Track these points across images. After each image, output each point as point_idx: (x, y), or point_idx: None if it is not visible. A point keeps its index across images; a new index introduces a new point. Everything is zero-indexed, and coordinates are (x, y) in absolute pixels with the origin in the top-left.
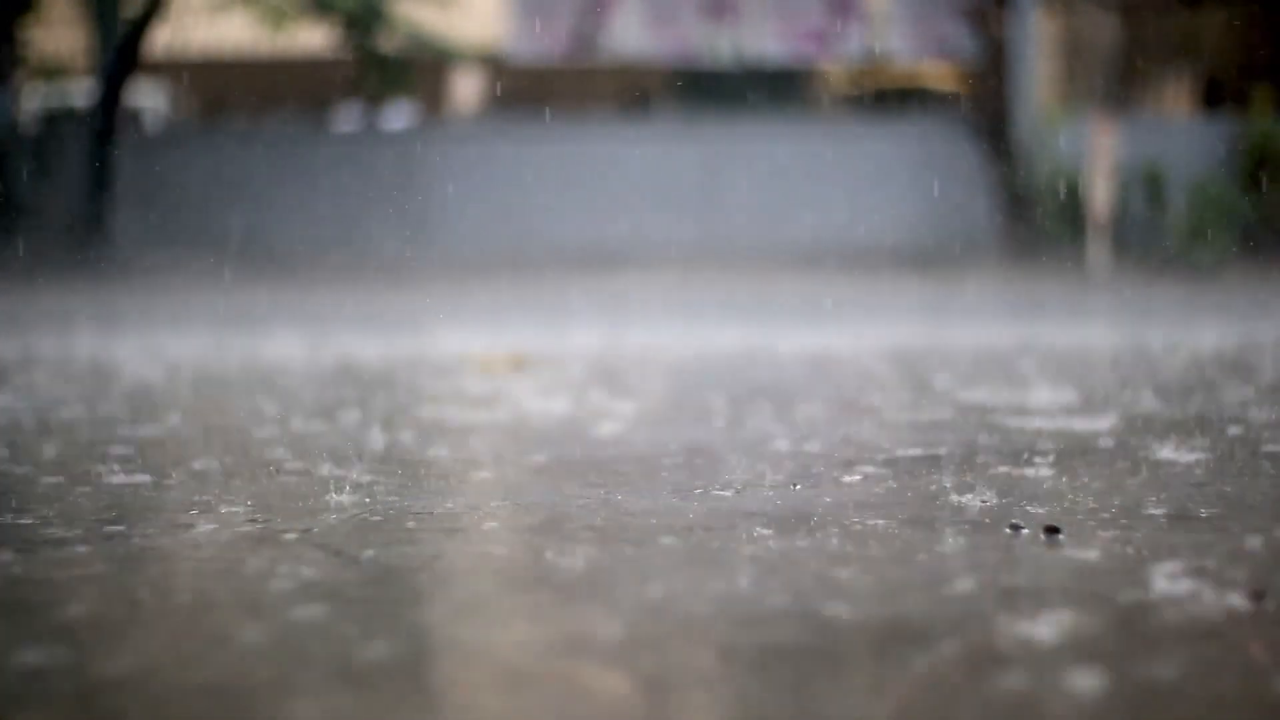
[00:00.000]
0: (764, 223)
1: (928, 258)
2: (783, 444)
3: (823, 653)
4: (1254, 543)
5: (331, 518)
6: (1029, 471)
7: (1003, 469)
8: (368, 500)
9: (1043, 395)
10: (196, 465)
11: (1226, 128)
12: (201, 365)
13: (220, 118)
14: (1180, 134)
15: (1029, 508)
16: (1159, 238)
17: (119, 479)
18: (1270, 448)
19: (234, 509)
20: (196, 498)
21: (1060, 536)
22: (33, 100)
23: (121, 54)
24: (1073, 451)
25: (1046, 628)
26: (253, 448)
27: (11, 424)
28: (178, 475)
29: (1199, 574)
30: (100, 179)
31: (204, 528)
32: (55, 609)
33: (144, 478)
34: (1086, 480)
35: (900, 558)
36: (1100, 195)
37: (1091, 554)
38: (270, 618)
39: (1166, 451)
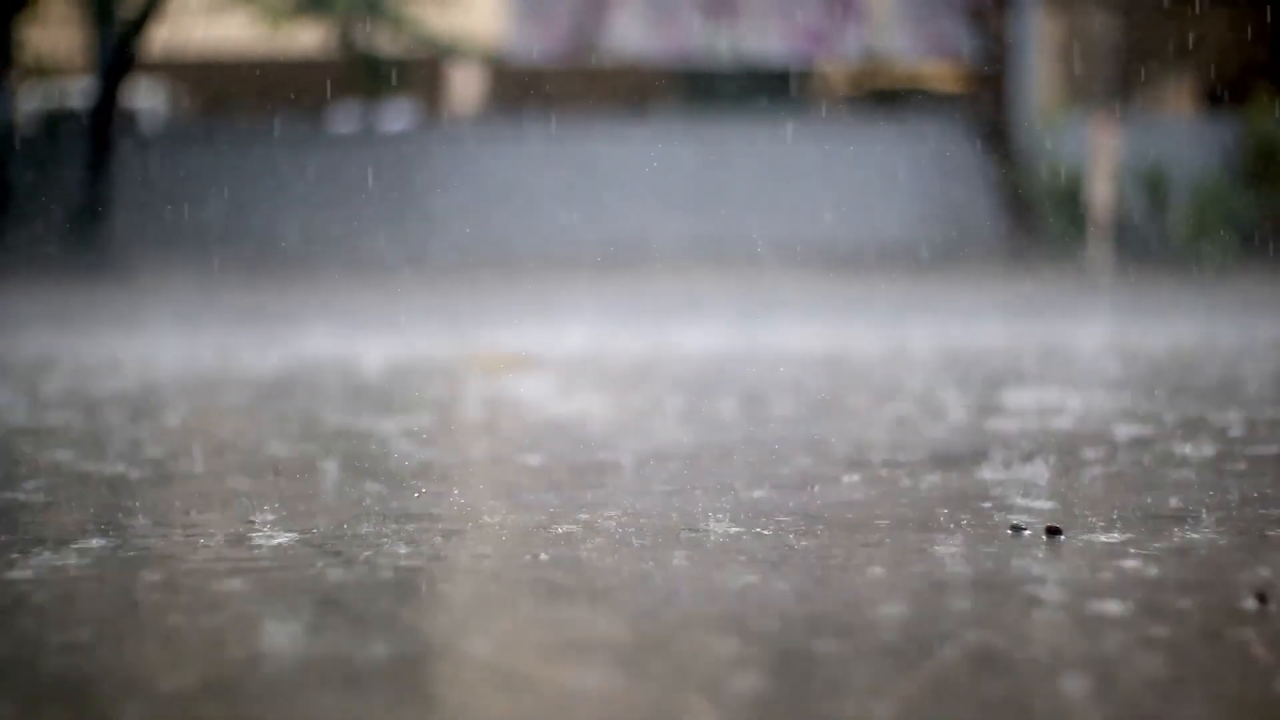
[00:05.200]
0: (764, 223)
1: (928, 258)
2: (784, 443)
3: (826, 653)
4: (1257, 543)
5: (332, 518)
6: (1030, 472)
7: (1004, 469)
8: (367, 501)
9: (1044, 395)
10: (195, 465)
11: (1228, 127)
12: (199, 365)
13: (219, 118)
14: (1181, 134)
15: (1030, 508)
16: (1160, 238)
17: (117, 479)
18: (1273, 447)
19: (234, 510)
20: (195, 498)
21: (1061, 537)
22: (30, 100)
23: (119, 54)
24: (1075, 452)
25: (1048, 628)
26: (251, 448)
27: (10, 423)
28: (176, 475)
29: (1200, 574)
30: (98, 179)
31: (203, 528)
32: (55, 609)
33: (142, 478)
34: (1088, 481)
35: (902, 558)
36: (1101, 195)
37: (1093, 555)
38: (270, 618)
39: (1170, 451)
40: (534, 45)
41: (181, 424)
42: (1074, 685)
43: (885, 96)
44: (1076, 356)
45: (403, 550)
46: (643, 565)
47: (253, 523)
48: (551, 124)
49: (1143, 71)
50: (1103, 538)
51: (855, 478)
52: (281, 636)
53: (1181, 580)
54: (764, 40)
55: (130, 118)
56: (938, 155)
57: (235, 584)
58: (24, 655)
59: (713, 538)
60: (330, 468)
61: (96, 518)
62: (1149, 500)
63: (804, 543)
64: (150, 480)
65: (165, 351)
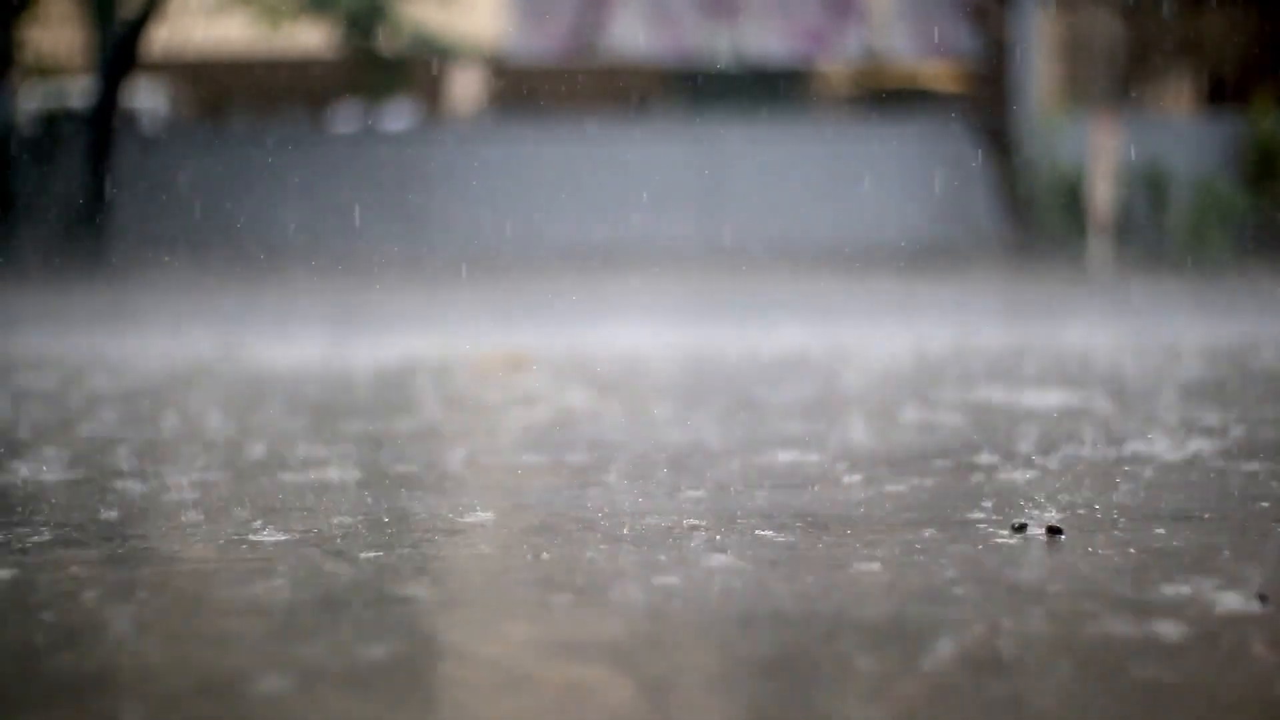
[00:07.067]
0: (764, 223)
1: (928, 258)
2: (784, 443)
3: (824, 653)
4: (1258, 543)
5: (331, 519)
6: (1031, 472)
7: (1005, 469)
8: (368, 501)
9: (1045, 395)
10: (196, 466)
11: (1228, 127)
12: (200, 365)
13: (219, 118)
14: (1182, 133)
15: (1031, 508)
16: (1161, 237)
17: (118, 479)
18: (1273, 446)
19: (234, 510)
20: (196, 498)
21: (1062, 537)
22: (31, 100)
23: (119, 53)
24: (1076, 451)
25: (1048, 627)
26: (252, 448)
27: (10, 424)
28: (177, 476)
29: (1202, 574)
30: (98, 179)
31: (204, 529)
32: (55, 609)
33: (143, 478)
34: (1089, 480)
35: (902, 558)
36: (1102, 195)
37: (1094, 554)
38: (270, 618)
39: (1170, 451)
40: (534, 45)
41: (181, 423)
42: (1074, 685)
43: (885, 96)
44: (1077, 356)
45: (403, 550)
46: (642, 565)
47: (253, 522)
48: (551, 124)
49: (1143, 71)
50: (1103, 537)
51: (855, 478)
52: (282, 636)
53: (1182, 579)
54: (764, 40)
55: (130, 118)
56: (938, 155)
57: (235, 584)
58: (24, 655)
59: (713, 537)
60: (330, 467)
61: (96, 517)
62: (1149, 499)
63: (804, 543)
64: (150, 480)
65: (165, 351)
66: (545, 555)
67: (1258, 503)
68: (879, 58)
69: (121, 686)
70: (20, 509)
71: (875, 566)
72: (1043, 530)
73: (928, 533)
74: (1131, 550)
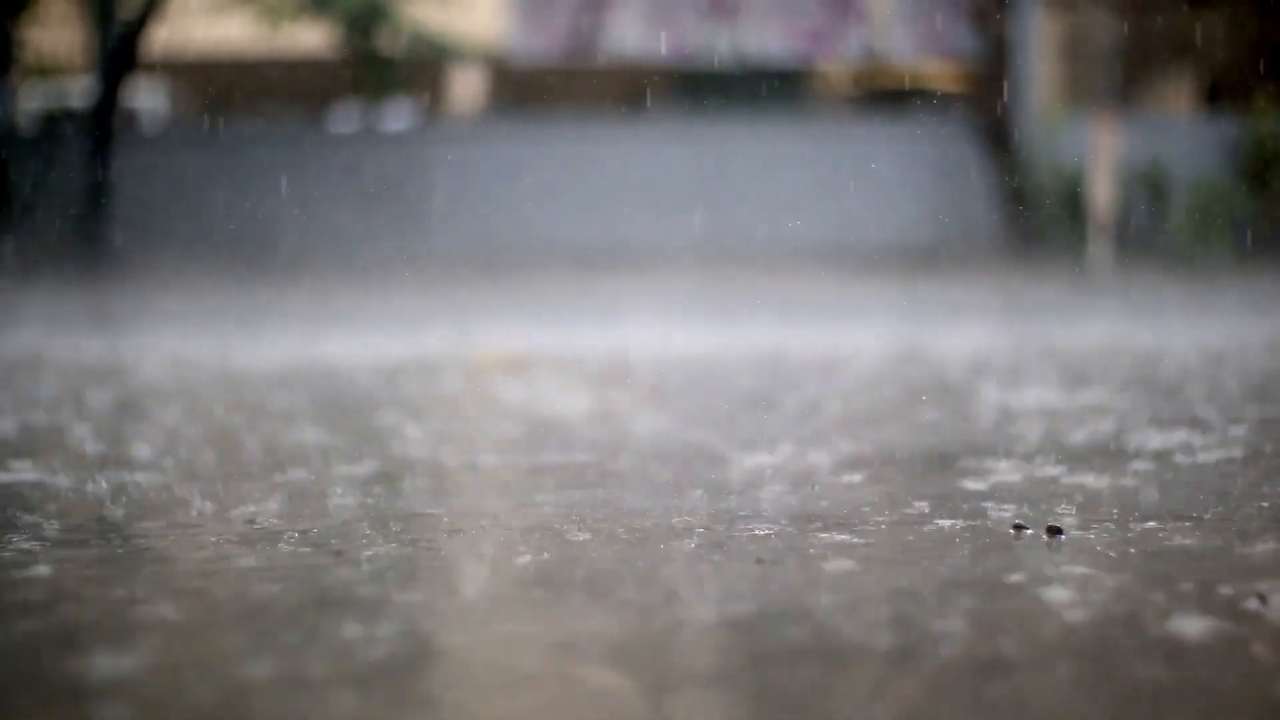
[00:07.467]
0: (764, 223)
1: (928, 258)
2: (783, 444)
3: (823, 654)
4: (1257, 543)
5: (332, 518)
6: (1031, 472)
7: (1004, 469)
8: (368, 500)
9: (1044, 395)
10: (196, 466)
11: (1228, 127)
12: (200, 366)
13: (219, 118)
14: (1182, 133)
15: (1031, 508)
16: (1161, 237)
17: (118, 479)
18: (1272, 447)
19: (234, 509)
20: (196, 498)
21: (1062, 537)
22: (31, 100)
23: (119, 54)
24: (1075, 452)
25: (1048, 628)
26: (252, 448)
27: (10, 424)
28: (177, 476)
29: (1201, 574)
30: (99, 179)
31: (204, 528)
32: (56, 609)
33: (143, 478)
34: (1089, 480)
35: (901, 558)
36: (1101, 195)
37: (1093, 554)
38: (270, 618)
39: (1170, 451)
40: (534, 45)
41: (181, 423)
42: (1074, 685)
43: (886, 96)
44: (1076, 356)
45: (403, 550)
46: (642, 565)
47: (253, 522)
48: (551, 124)
49: (1143, 71)
50: (1103, 537)
51: (855, 478)
52: (282, 636)
53: (1181, 580)
54: (764, 40)
55: (131, 118)
56: (938, 155)
57: (235, 584)
58: (24, 654)
59: (712, 537)
60: (330, 467)
61: (96, 517)
62: (1149, 499)
63: (804, 542)
64: (150, 479)
65: (164, 351)
66: (545, 555)
67: (1258, 503)
68: (879, 58)
69: (121, 686)
70: (20, 509)
71: (874, 566)
72: (1043, 530)
73: (927, 532)
74: (1131, 550)
